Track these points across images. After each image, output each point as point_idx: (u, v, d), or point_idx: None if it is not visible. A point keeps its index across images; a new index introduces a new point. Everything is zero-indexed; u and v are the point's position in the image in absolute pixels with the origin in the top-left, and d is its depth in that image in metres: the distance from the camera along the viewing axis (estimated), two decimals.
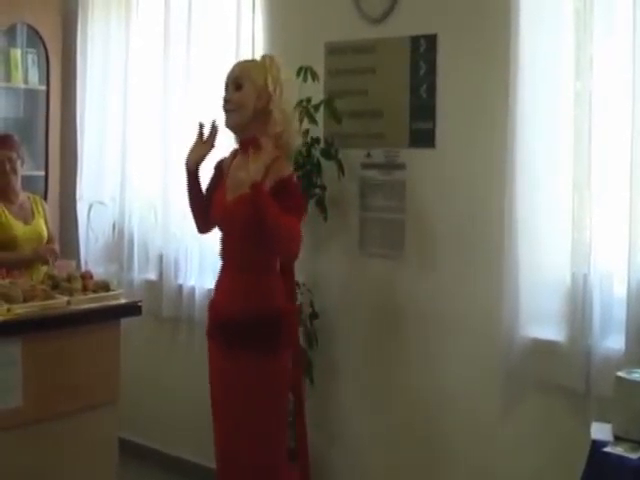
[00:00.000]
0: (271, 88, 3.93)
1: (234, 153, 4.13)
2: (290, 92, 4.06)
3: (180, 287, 5.71)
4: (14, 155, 5.57)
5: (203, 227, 4.28)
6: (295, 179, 4.01)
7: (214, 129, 4.09)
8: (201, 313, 5.50)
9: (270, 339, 3.92)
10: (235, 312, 3.93)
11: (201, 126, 4.11)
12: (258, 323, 3.89)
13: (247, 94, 3.93)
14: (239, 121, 3.96)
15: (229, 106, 3.96)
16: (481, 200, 4.40)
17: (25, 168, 5.77)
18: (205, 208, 4.13)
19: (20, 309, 4.16)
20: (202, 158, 4.11)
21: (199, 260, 5.60)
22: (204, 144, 4.11)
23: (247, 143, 3.93)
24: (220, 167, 4.16)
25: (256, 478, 3.96)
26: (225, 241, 4.05)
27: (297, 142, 4.23)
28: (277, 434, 4.01)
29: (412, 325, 4.69)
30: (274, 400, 3.97)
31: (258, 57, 4.18)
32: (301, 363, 4.35)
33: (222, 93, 4.00)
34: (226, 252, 4.04)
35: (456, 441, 4.54)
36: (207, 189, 4.17)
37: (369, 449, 4.89)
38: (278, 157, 3.91)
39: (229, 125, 3.99)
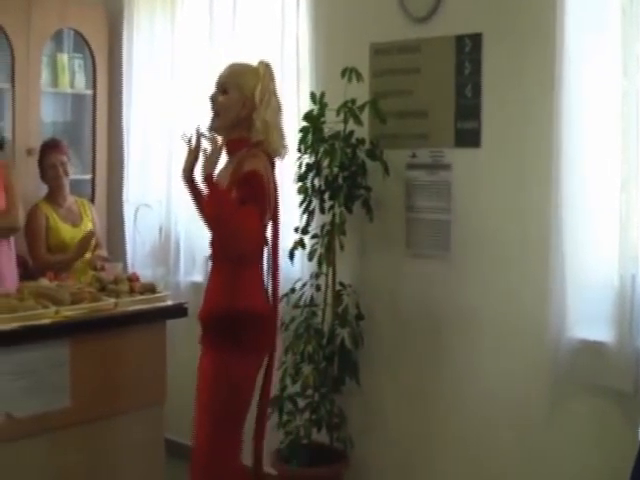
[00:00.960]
0: (257, 98, 3.99)
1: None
2: (278, 101, 4.13)
3: None
4: (65, 159, 5.64)
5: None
6: (259, 173, 3.93)
7: (197, 136, 4.10)
8: None
9: (232, 339, 3.96)
10: (206, 308, 4.06)
11: (186, 136, 4.16)
12: (222, 321, 3.97)
13: (232, 100, 4.01)
14: (221, 125, 4.04)
15: (213, 107, 4.06)
16: (527, 200, 4.37)
17: (73, 172, 5.83)
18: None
19: (68, 311, 4.20)
20: (191, 167, 4.17)
21: None
22: (191, 153, 4.14)
23: (231, 145, 4.04)
24: None
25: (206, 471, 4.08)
26: (212, 238, 4.10)
27: (281, 151, 4.17)
28: (226, 434, 4.07)
29: (458, 326, 4.66)
30: (224, 402, 4.01)
31: (255, 62, 4.18)
32: (271, 369, 4.29)
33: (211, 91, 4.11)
34: (211, 248, 4.12)
35: (503, 443, 4.50)
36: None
37: (414, 450, 4.87)
38: (249, 156, 3.96)
39: (211, 127, 4.06)
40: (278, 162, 4.22)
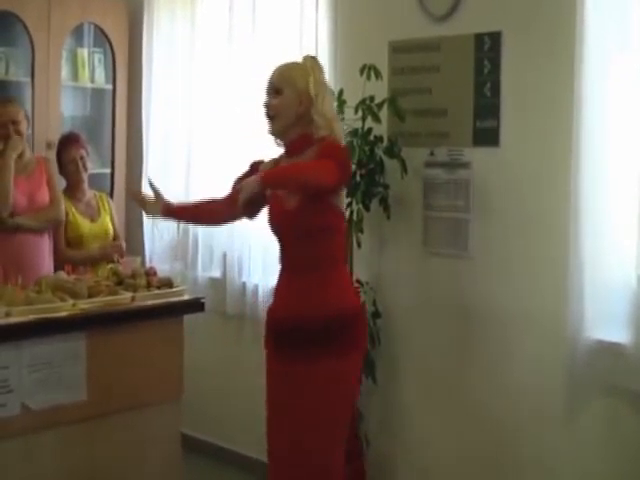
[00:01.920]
0: (313, 93, 3.87)
1: (277, 160, 4.07)
2: (331, 95, 4.08)
3: (244, 285, 5.74)
4: (84, 153, 5.66)
5: (228, 218, 4.41)
6: (342, 145, 3.97)
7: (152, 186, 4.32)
8: (263, 312, 5.53)
9: (342, 340, 3.85)
10: (303, 315, 3.85)
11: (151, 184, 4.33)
12: (328, 324, 3.81)
13: (288, 99, 3.88)
14: (280, 127, 3.92)
15: (268, 112, 3.93)
16: (546, 199, 4.36)
17: (92, 166, 5.85)
18: (213, 211, 4.33)
19: (85, 305, 4.21)
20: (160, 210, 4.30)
21: (262, 258, 5.60)
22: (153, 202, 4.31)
23: (294, 144, 3.93)
24: (257, 169, 4.09)
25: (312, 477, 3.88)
26: (288, 246, 3.98)
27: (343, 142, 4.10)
28: (341, 436, 3.91)
29: (475, 325, 4.65)
30: (342, 404, 3.89)
31: (300, 59, 4.09)
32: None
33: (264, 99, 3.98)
34: (288, 256, 3.98)
35: (520, 442, 4.49)
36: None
37: (431, 449, 4.87)
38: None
39: (271, 132, 3.97)
40: None
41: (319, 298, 3.85)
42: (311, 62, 3.99)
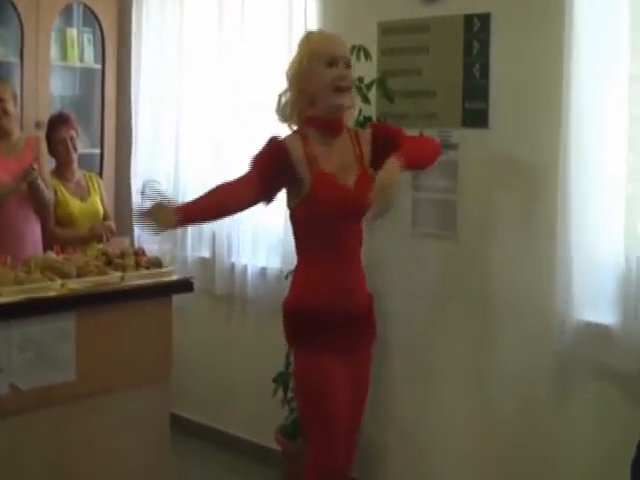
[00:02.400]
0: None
1: (301, 140, 3.71)
2: None
3: (232, 265, 5.74)
4: (74, 133, 5.65)
5: (247, 206, 3.78)
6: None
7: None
8: (253, 291, 5.56)
9: (374, 326, 3.93)
10: (359, 302, 3.80)
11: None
12: (371, 311, 3.89)
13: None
14: (353, 101, 3.85)
15: (348, 83, 3.71)
16: (534, 181, 4.37)
17: (81, 146, 5.84)
18: (232, 201, 3.70)
19: (74, 284, 4.22)
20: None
21: (252, 238, 5.61)
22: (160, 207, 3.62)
23: (339, 122, 3.75)
24: (289, 158, 3.66)
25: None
26: (338, 230, 3.68)
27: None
28: None
29: (464, 306, 4.67)
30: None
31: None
32: None
33: (329, 69, 3.65)
34: (341, 240, 3.71)
35: (509, 424, 4.51)
36: (268, 172, 3.66)
37: (420, 432, 4.89)
38: (355, 131, 3.89)
39: (347, 105, 3.73)
40: None
41: (361, 285, 3.85)
42: None
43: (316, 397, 3.69)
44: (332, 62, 3.66)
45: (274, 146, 3.73)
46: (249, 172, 3.68)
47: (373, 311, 3.91)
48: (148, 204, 3.64)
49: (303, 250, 3.80)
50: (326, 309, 3.67)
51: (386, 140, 3.75)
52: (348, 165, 3.71)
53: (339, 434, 3.67)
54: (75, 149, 5.67)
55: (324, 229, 3.68)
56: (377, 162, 3.67)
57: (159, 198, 3.65)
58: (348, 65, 3.71)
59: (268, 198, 3.72)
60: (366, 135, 3.84)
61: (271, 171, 3.67)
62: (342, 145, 3.75)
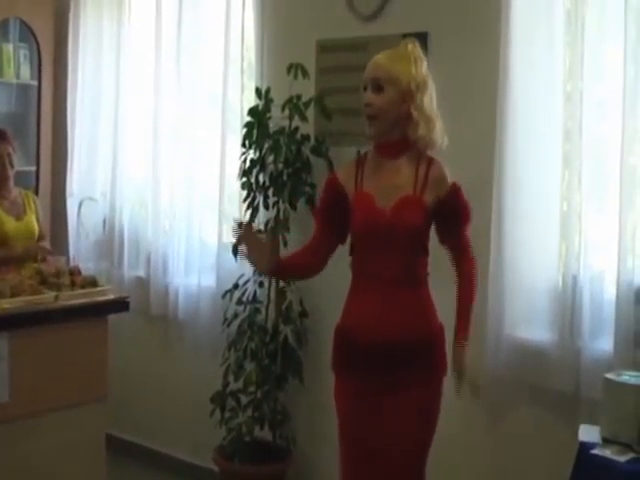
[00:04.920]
0: (414, 88, 3.41)
1: (355, 164, 3.59)
2: (432, 87, 3.53)
3: (167, 285, 5.69)
4: (11, 150, 5.57)
5: (321, 264, 3.74)
6: (458, 184, 3.53)
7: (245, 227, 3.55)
8: (186, 312, 5.51)
9: (433, 362, 3.50)
10: (395, 333, 3.42)
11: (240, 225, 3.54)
12: (421, 344, 3.45)
13: (390, 99, 3.40)
14: (381, 130, 3.44)
15: (370, 111, 3.43)
16: (470, 200, 4.37)
17: (17, 163, 5.76)
18: (312, 265, 3.73)
19: (7, 304, 4.14)
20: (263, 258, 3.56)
21: (185, 259, 5.60)
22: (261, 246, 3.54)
23: (393, 148, 3.47)
24: (339, 186, 3.57)
25: None
26: (375, 253, 3.47)
27: (442, 143, 3.54)
28: (425, 464, 3.59)
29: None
30: (432, 431, 3.56)
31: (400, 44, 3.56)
32: None
33: (362, 94, 3.49)
34: (376, 265, 3.47)
35: (443, 443, 4.48)
36: (327, 213, 3.62)
37: None
38: (431, 161, 3.50)
39: (370, 135, 3.48)
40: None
41: (410, 316, 3.46)
42: (414, 51, 3.51)
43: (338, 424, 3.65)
44: (365, 86, 3.48)
45: (326, 181, 3.70)
46: (315, 227, 3.69)
47: (435, 348, 3.51)
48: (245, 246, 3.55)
49: (352, 272, 3.64)
50: (353, 335, 3.51)
51: (447, 212, 3.50)
52: (395, 187, 3.44)
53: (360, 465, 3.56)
54: (12, 166, 5.59)
55: (363, 251, 3.54)
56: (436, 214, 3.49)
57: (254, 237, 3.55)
58: (378, 88, 3.42)
59: (339, 234, 3.62)
60: (438, 172, 3.48)
61: (327, 206, 3.62)
62: (395, 166, 3.47)
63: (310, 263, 3.72)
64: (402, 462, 3.47)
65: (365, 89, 3.47)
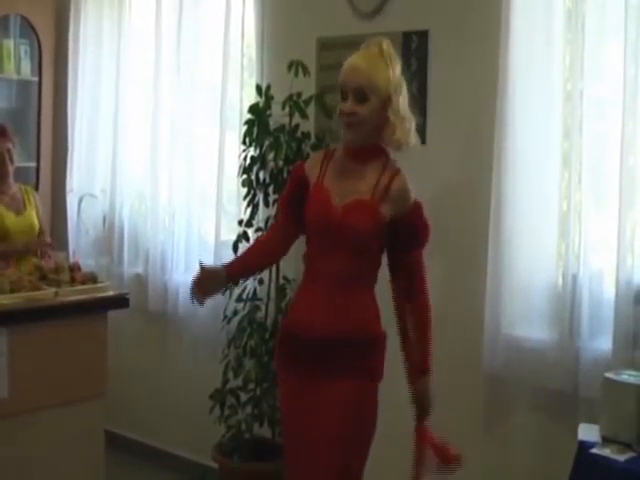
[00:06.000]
0: (392, 92, 3.33)
1: (323, 156, 3.56)
2: (405, 88, 3.43)
3: (166, 282, 5.69)
4: (11, 146, 5.58)
5: (279, 253, 3.77)
6: (419, 202, 3.48)
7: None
8: (186, 309, 5.49)
9: (369, 363, 3.48)
10: (335, 331, 3.39)
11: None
12: (359, 344, 3.43)
13: (373, 109, 3.32)
14: (360, 137, 3.37)
15: (354, 120, 3.34)
16: (469, 199, 4.39)
17: (17, 159, 5.76)
18: (271, 254, 3.76)
19: (6, 300, 4.15)
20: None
21: (185, 256, 5.60)
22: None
23: (365, 154, 3.42)
24: (304, 175, 3.53)
25: None
26: (324, 251, 3.44)
27: (413, 143, 3.46)
28: (360, 469, 3.54)
29: (392, 324, 4.63)
30: (363, 434, 3.52)
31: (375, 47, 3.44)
32: None
33: (339, 99, 3.41)
34: (323, 263, 3.44)
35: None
36: (290, 201, 3.59)
37: None
38: (396, 174, 3.43)
39: (348, 140, 3.41)
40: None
41: (350, 316, 3.43)
42: (389, 50, 3.40)
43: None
44: (343, 91, 3.39)
45: (293, 169, 3.74)
46: (277, 215, 3.74)
47: (374, 351, 3.50)
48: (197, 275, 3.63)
49: (304, 267, 3.60)
50: (295, 331, 3.50)
51: (404, 229, 3.42)
52: (354, 190, 3.39)
53: (292, 458, 3.57)
54: (11, 161, 5.60)
55: (313, 247, 3.52)
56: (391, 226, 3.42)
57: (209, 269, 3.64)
58: (361, 98, 3.31)
59: (300, 223, 3.54)
60: (400, 186, 3.43)
61: (290, 193, 3.60)
62: (360, 172, 3.42)
63: (263, 262, 3.86)
64: (327, 461, 3.40)
65: (344, 96, 3.38)
